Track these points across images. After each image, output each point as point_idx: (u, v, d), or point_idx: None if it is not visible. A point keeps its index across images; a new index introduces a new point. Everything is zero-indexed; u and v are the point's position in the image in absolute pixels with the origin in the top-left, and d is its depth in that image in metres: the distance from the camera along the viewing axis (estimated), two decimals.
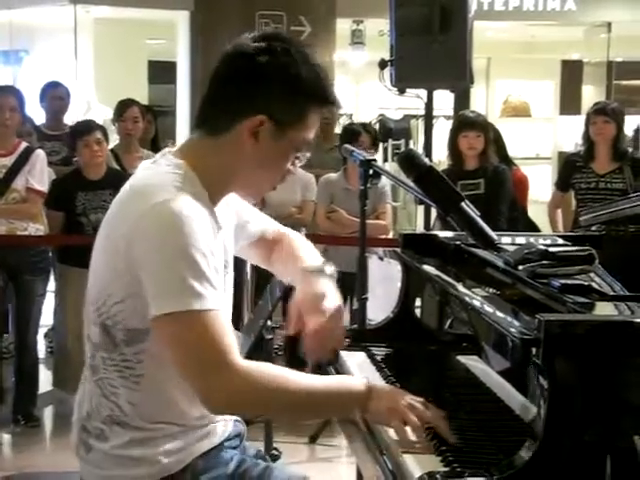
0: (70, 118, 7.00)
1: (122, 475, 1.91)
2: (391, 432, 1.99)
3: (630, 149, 6.06)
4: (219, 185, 1.93)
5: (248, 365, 1.80)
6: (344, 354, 2.54)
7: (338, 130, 6.96)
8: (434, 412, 1.91)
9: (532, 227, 5.57)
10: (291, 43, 1.91)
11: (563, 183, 5.82)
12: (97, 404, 1.94)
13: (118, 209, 1.90)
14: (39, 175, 5.12)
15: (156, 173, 1.89)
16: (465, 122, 5.30)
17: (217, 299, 1.80)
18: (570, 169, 5.73)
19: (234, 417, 2.07)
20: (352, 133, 5.61)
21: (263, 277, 4.84)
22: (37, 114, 6.64)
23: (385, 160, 10.11)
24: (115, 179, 5.22)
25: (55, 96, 6.55)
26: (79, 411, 2.00)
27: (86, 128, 5.29)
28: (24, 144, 5.21)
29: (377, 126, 10.02)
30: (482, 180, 5.16)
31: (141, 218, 1.79)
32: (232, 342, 1.80)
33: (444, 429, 1.88)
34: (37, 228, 5.19)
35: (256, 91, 1.87)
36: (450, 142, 5.33)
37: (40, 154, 5.19)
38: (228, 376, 1.76)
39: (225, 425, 2.01)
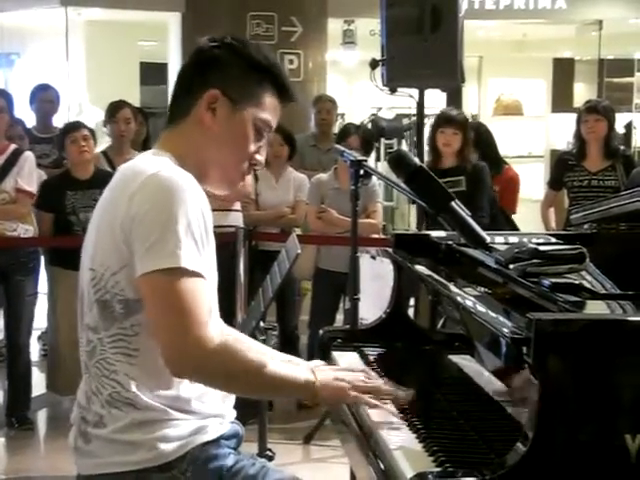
0: (61, 121, 6.98)
1: (120, 461, 1.92)
2: (384, 433, 2.00)
3: (622, 147, 6.07)
4: (195, 170, 1.97)
5: (220, 336, 1.85)
6: (336, 354, 2.54)
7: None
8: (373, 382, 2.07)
9: (511, 224, 5.57)
10: (244, 39, 2.06)
11: (555, 182, 5.82)
12: (97, 386, 1.97)
13: (112, 191, 1.98)
14: (28, 176, 5.12)
15: (143, 159, 2.00)
16: (443, 118, 5.27)
17: (205, 267, 1.86)
18: (562, 167, 5.73)
19: (231, 417, 2.08)
20: (343, 133, 5.62)
21: (256, 278, 4.84)
22: (28, 117, 6.62)
23: (377, 160, 10.11)
24: (104, 179, 5.18)
25: (45, 99, 6.54)
26: (79, 405, 2.03)
27: (73, 126, 5.37)
28: (13, 146, 5.22)
29: (369, 125, 10.02)
30: (463, 177, 5.14)
31: (137, 191, 1.87)
32: (210, 310, 1.86)
33: (388, 391, 2.04)
34: (26, 229, 5.18)
35: (209, 71, 2.00)
36: (430, 138, 5.31)
37: (29, 155, 5.20)
38: (200, 341, 1.80)
39: (222, 423, 2.03)
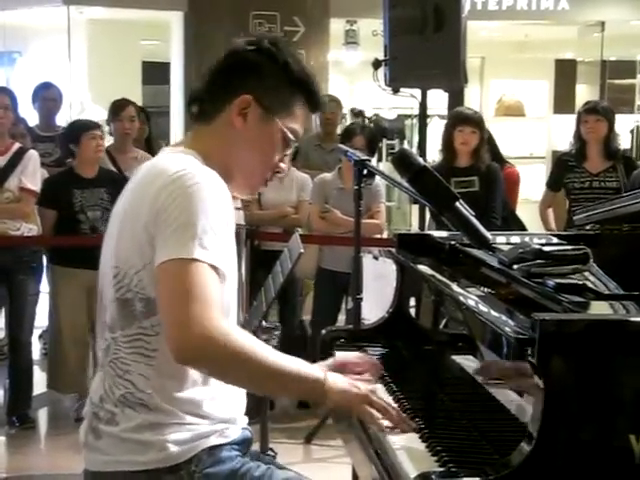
0: (64, 119, 6.98)
1: (129, 460, 1.92)
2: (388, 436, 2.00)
3: (622, 148, 6.07)
4: (219, 170, 1.97)
5: (227, 327, 1.83)
6: (339, 354, 2.54)
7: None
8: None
9: (520, 226, 5.57)
10: (280, 42, 2.07)
11: (555, 183, 5.81)
12: (110, 385, 1.97)
13: (136, 189, 1.98)
14: (32, 175, 5.13)
15: (167, 157, 2.00)
16: (461, 117, 5.30)
17: (222, 263, 1.86)
18: (562, 169, 5.73)
19: (243, 423, 2.07)
20: (348, 133, 5.59)
21: (258, 278, 4.84)
22: (30, 116, 6.62)
23: (379, 160, 10.11)
24: (109, 178, 5.27)
25: (47, 97, 6.54)
26: (91, 402, 2.03)
27: (91, 123, 5.38)
28: (17, 145, 5.22)
29: (371, 125, 10.02)
30: (476, 178, 5.16)
31: (163, 188, 1.88)
32: (219, 304, 1.84)
33: (394, 418, 1.99)
34: (30, 228, 5.19)
35: (244, 76, 2.02)
36: (444, 137, 5.32)
37: (33, 154, 5.20)
38: (206, 327, 1.79)
39: (232, 428, 2.02)
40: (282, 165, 2.09)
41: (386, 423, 1.99)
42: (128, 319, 1.94)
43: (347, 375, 2.08)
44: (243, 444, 2.05)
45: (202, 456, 1.93)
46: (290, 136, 2.05)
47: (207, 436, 1.95)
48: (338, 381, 1.98)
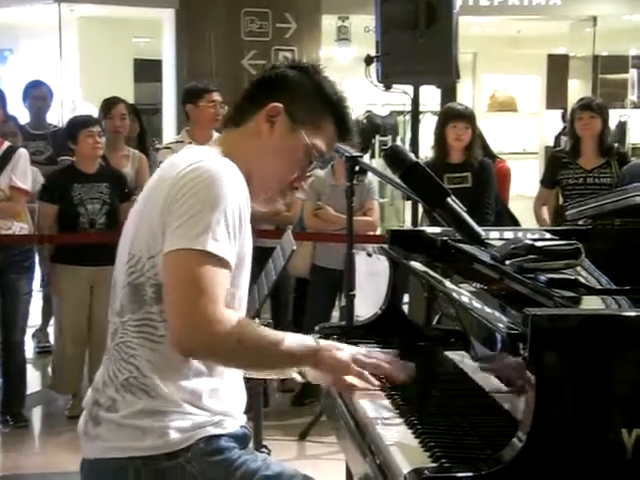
0: (55, 117, 6.96)
1: (128, 447, 1.94)
2: (379, 429, 2.00)
3: (616, 144, 6.07)
4: (243, 172, 1.99)
5: (230, 320, 1.85)
6: None
7: None
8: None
9: (513, 220, 5.57)
10: (318, 66, 2.15)
11: (549, 180, 5.81)
12: (115, 370, 1.99)
13: (157, 179, 2.02)
14: (22, 173, 5.11)
15: (191, 150, 2.07)
16: (453, 113, 5.31)
17: (233, 256, 1.89)
18: (556, 165, 5.72)
19: (242, 421, 2.09)
20: None
21: (251, 274, 4.84)
22: (21, 114, 6.60)
23: (372, 156, 10.10)
24: (110, 173, 5.28)
25: (37, 96, 6.51)
26: (94, 388, 2.05)
27: (89, 120, 5.36)
28: (7, 143, 5.20)
29: (365, 122, 10.02)
30: (469, 174, 5.17)
31: (181, 177, 1.91)
32: (224, 297, 1.87)
33: (391, 370, 2.07)
34: (21, 227, 5.17)
35: (279, 88, 2.08)
36: (437, 133, 5.33)
37: (23, 153, 5.18)
38: (211, 319, 1.82)
39: (231, 421, 2.03)
40: (302, 184, 2.13)
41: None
42: (138, 304, 1.96)
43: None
44: (241, 440, 2.06)
45: (200, 444, 1.95)
46: (314, 152, 2.08)
47: (205, 426, 1.96)
48: (328, 346, 2.05)
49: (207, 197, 1.86)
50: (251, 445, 2.12)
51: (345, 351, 2.07)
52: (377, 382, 2.10)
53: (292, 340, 1.99)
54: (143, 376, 1.95)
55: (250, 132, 2.07)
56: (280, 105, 2.04)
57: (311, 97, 2.08)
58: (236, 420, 2.05)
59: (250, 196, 2.02)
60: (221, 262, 1.86)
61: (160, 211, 1.91)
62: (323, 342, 2.08)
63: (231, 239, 1.88)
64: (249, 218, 1.96)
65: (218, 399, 2.00)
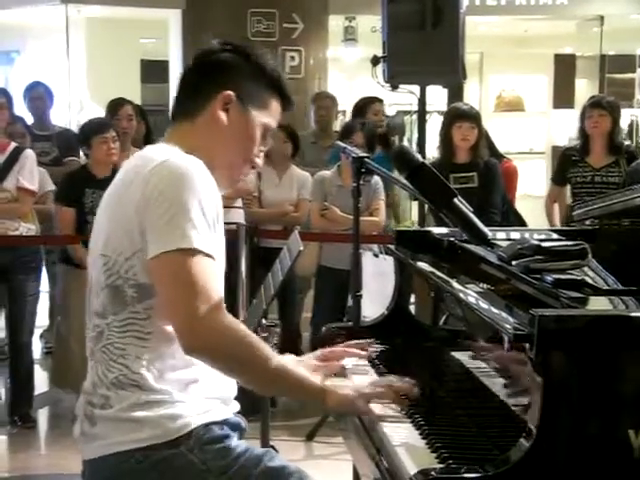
0: (62, 118, 6.97)
1: (127, 440, 1.95)
2: (387, 430, 2.00)
3: (627, 142, 6.06)
4: (206, 163, 2.01)
5: (232, 317, 1.90)
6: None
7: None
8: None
9: (520, 220, 5.57)
10: (251, 46, 2.17)
11: (560, 177, 5.81)
12: (104, 370, 2.00)
13: (124, 178, 2.05)
14: (29, 174, 5.12)
15: (153, 148, 2.09)
16: (459, 113, 5.30)
17: (215, 250, 1.93)
18: (566, 163, 5.72)
19: (235, 407, 2.10)
20: (347, 130, 5.56)
21: (258, 275, 4.83)
22: (27, 116, 6.60)
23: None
24: None
25: (34, 97, 6.50)
26: (84, 392, 2.07)
27: (104, 125, 5.26)
28: (13, 144, 5.21)
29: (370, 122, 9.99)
30: (475, 174, 5.16)
31: (151, 175, 1.94)
32: (222, 291, 1.93)
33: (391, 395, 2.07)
34: (28, 228, 5.18)
35: (224, 74, 2.11)
36: (443, 133, 5.32)
37: (30, 154, 5.19)
38: (213, 318, 1.86)
39: (224, 407, 2.05)
40: (257, 161, 2.17)
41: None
42: (120, 305, 1.99)
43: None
44: (236, 428, 2.07)
45: (199, 432, 1.96)
46: (266, 129, 2.14)
47: (202, 412, 1.98)
48: (334, 394, 2.04)
49: (182, 195, 1.89)
50: (258, 445, 2.12)
51: (348, 388, 2.09)
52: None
53: (301, 376, 2.02)
54: (133, 373, 1.97)
55: (206, 123, 2.09)
56: (232, 93, 2.08)
57: (255, 78, 2.12)
58: (228, 407, 2.07)
59: (216, 184, 2.04)
60: (207, 256, 1.90)
61: (135, 207, 1.94)
62: (329, 387, 2.07)
63: (211, 233, 1.93)
64: (222, 212, 2.00)
65: (209, 386, 2.01)
